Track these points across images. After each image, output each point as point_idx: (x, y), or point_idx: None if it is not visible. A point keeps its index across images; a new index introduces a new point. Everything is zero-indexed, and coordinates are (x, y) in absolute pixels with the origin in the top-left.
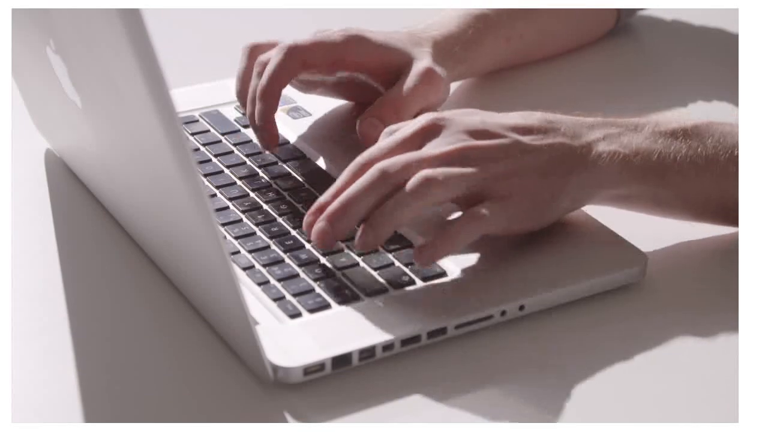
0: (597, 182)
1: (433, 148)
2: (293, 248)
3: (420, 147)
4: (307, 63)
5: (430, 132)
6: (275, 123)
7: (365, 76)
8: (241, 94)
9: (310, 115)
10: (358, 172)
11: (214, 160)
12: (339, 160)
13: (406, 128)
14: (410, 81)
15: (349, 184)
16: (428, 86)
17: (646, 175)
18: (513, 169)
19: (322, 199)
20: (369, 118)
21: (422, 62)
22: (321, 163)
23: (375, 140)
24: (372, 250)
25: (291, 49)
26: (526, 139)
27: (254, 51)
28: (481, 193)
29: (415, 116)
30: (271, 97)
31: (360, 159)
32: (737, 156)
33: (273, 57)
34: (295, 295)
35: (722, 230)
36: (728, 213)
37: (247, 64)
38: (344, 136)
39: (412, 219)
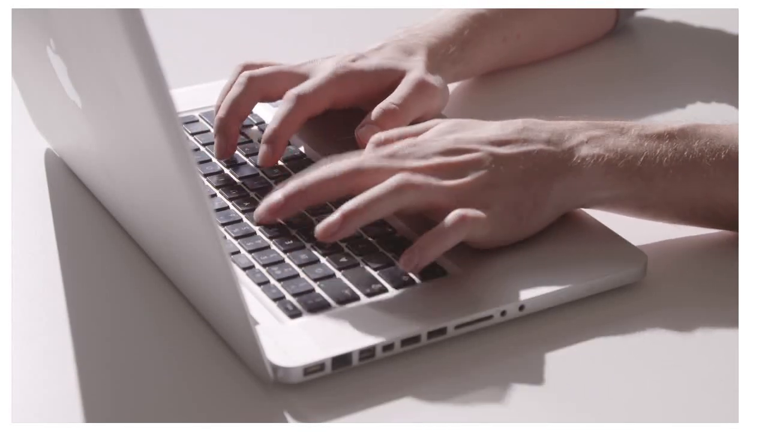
0: (581, 186)
1: (411, 162)
2: (293, 248)
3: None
4: (315, 109)
5: (407, 152)
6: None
7: (363, 106)
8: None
9: (298, 128)
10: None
11: (214, 160)
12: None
13: (385, 149)
14: (403, 90)
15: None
16: (421, 95)
17: (631, 178)
18: (488, 180)
19: (304, 181)
20: (368, 125)
21: (414, 72)
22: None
23: None
24: (370, 249)
25: (301, 98)
26: (501, 150)
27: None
28: (461, 206)
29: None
30: (281, 144)
31: (354, 167)
32: (725, 159)
33: (283, 104)
34: (295, 295)
35: (722, 230)
36: (716, 217)
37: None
38: (344, 137)
39: (382, 217)
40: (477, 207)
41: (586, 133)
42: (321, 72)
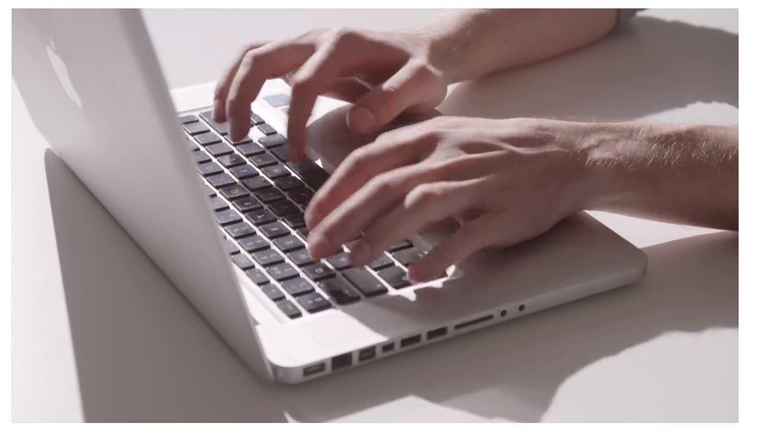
0: (592, 189)
1: (431, 162)
2: (293, 248)
3: (415, 157)
4: (321, 91)
5: (426, 144)
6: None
7: (364, 76)
8: (224, 88)
9: (310, 115)
10: (354, 170)
11: (214, 160)
12: (338, 160)
13: (404, 135)
14: (402, 75)
15: (344, 182)
16: (420, 82)
17: (640, 181)
18: (509, 181)
19: (320, 195)
20: (360, 108)
21: (417, 60)
22: (320, 163)
23: (364, 131)
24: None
25: (303, 88)
26: (521, 150)
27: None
28: (479, 206)
29: (407, 114)
30: (300, 138)
31: (356, 154)
32: (731, 161)
33: (291, 97)
34: (295, 295)
35: (722, 230)
36: (722, 218)
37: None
38: (344, 136)
39: (410, 234)
40: (495, 207)
41: (597, 137)
42: (324, 43)
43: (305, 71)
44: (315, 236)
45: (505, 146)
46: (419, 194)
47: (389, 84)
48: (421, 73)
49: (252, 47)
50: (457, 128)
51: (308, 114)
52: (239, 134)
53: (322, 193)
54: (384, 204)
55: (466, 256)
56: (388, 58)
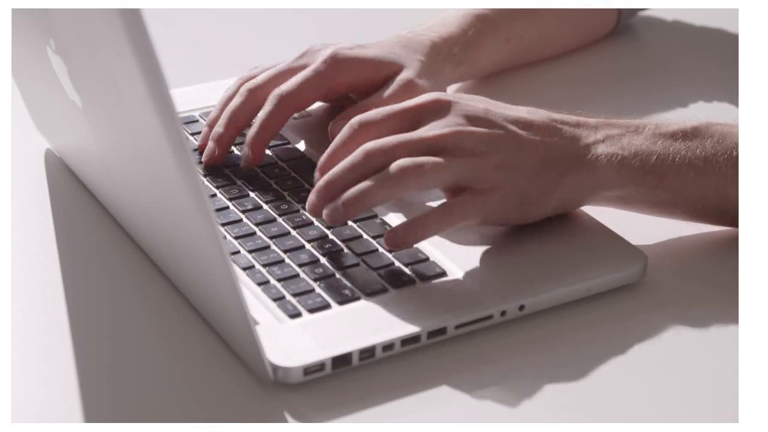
0: (594, 183)
1: (428, 129)
2: (293, 248)
3: (417, 122)
4: (298, 106)
5: (432, 110)
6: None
7: (356, 95)
8: (216, 118)
9: (310, 115)
10: (353, 134)
11: None
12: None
13: (410, 101)
14: (389, 89)
15: (342, 148)
16: (406, 96)
17: (644, 176)
18: (503, 163)
19: (322, 159)
20: (340, 120)
21: (406, 72)
22: (302, 147)
23: None
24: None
25: (282, 98)
26: (525, 133)
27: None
28: (469, 183)
29: None
30: (261, 145)
31: (356, 119)
32: (736, 157)
33: (265, 106)
34: (295, 295)
35: (722, 229)
36: (725, 214)
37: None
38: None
39: (385, 203)
40: (482, 187)
41: (604, 132)
42: (315, 62)
43: (288, 84)
44: (311, 195)
45: (509, 127)
46: (396, 168)
47: (374, 98)
48: (409, 86)
49: (248, 78)
50: (467, 101)
51: (279, 126)
52: (213, 161)
53: (323, 157)
54: (368, 170)
55: (445, 229)
56: (380, 73)
